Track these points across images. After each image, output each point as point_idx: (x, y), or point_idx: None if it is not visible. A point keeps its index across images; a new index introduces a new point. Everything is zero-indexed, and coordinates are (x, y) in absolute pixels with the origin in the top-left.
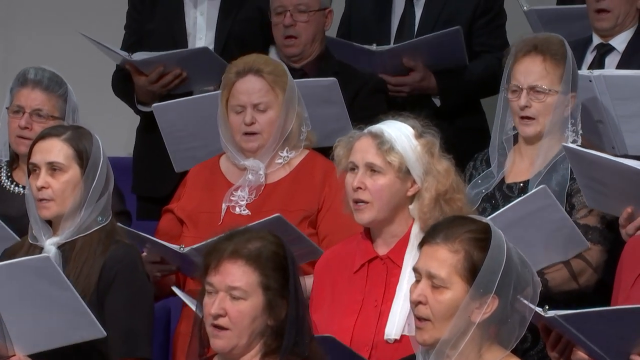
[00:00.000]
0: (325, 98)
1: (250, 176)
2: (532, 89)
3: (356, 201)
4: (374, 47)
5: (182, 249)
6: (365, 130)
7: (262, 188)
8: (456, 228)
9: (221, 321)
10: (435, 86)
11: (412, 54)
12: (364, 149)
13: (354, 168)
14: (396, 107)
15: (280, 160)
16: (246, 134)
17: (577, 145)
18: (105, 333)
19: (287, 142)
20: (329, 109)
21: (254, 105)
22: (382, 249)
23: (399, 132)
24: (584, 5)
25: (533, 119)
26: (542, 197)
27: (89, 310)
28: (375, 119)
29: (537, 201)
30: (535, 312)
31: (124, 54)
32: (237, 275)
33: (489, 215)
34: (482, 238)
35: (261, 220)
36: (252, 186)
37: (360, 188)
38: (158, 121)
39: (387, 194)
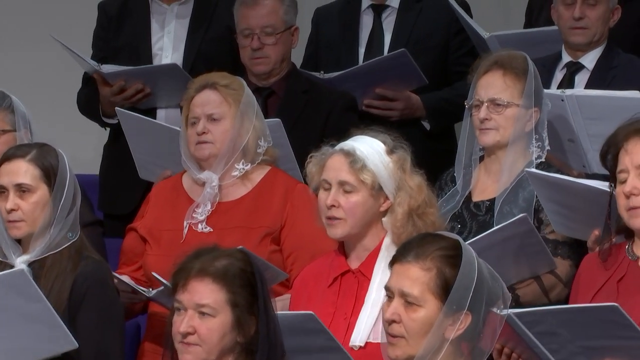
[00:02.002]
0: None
1: (209, 189)
2: (492, 101)
3: (330, 218)
4: (321, 74)
5: (150, 292)
6: (337, 148)
7: (217, 200)
8: (427, 246)
9: (190, 339)
10: (423, 111)
11: (363, 79)
12: (336, 167)
13: (326, 185)
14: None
15: (236, 173)
16: (198, 143)
17: (541, 161)
18: (77, 344)
19: (244, 155)
20: None
21: (208, 116)
22: (354, 263)
23: (370, 149)
24: (546, 28)
25: (493, 128)
26: (522, 225)
27: (61, 322)
28: (346, 133)
29: (516, 228)
30: None
31: (94, 63)
32: (204, 293)
33: (457, 233)
34: (453, 255)
35: None
36: (210, 200)
37: (334, 206)
38: (123, 126)
39: (361, 211)
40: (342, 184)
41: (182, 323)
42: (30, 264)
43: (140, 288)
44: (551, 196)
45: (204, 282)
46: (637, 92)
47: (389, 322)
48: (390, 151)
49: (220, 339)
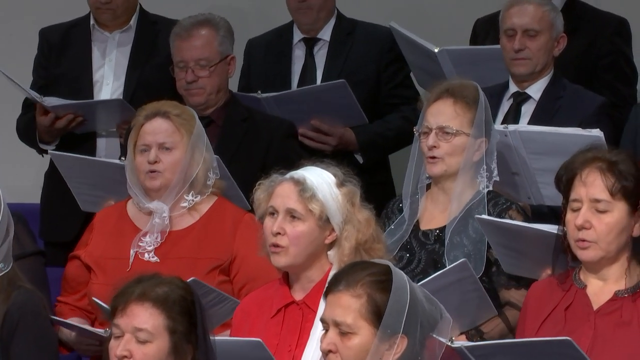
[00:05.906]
0: None
1: (157, 219)
2: (441, 129)
3: (274, 245)
4: (259, 94)
5: (106, 332)
6: (287, 176)
7: (167, 231)
8: (357, 273)
9: None
10: (355, 144)
11: (302, 105)
12: (285, 194)
13: (273, 212)
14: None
15: (185, 204)
16: (149, 172)
17: (489, 190)
18: None
19: (193, 186)
20: None
21: (159, 145)
22: (298, 294)
23: (320, 179)
24: (497, 46)
25: (440, 158)
26: (462, 270)
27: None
28: (296, 164)
29: (457, 273)
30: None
31: (36, 95)
32: (143, 317)
33: (406, 263)
34: (383, 280)
35: None
36: (159, 230)
37: (280, 233)
38: (58, 167)
39: (306, 241)
40: (289, 211)
41: (118, 347)
42: None
43: (98, 330)
44: (500, 241)
45: (144, 307)
46: (580, 128)
47: (325, 353)
48: (341, 184)
49: None
